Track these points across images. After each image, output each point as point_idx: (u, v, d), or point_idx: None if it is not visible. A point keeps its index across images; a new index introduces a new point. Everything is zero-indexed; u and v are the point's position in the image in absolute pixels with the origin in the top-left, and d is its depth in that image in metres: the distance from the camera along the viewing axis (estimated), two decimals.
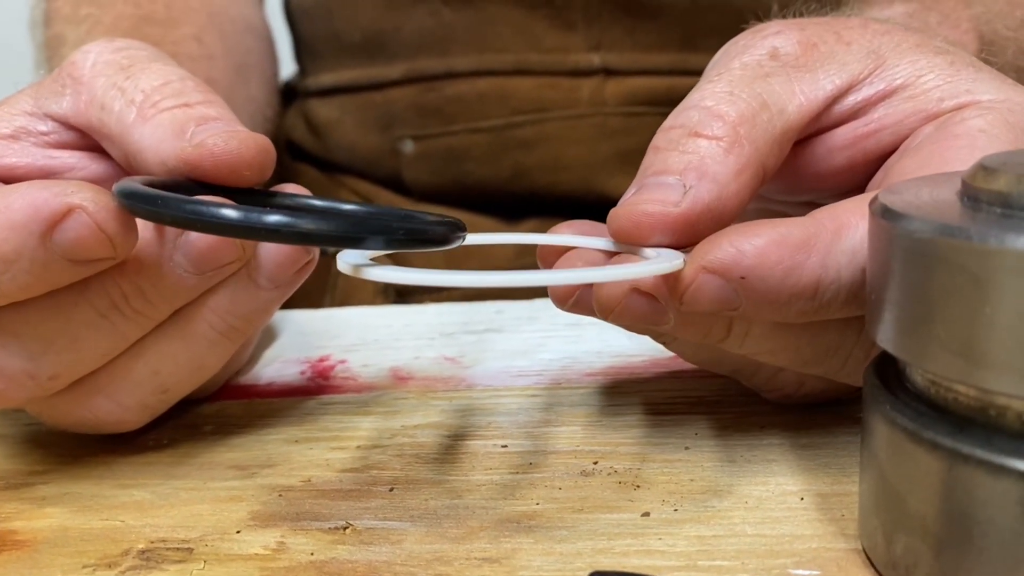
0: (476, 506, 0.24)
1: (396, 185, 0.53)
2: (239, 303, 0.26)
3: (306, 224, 0.21)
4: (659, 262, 0.21)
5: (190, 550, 0.23)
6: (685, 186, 0.22)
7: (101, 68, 0.27)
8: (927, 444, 0.18)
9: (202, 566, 0.22)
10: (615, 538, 0.22)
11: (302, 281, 0.27)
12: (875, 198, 0.19)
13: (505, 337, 0.37)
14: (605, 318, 0.23)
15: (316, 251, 0.28)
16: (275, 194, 0.27)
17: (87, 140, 0.28)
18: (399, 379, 0.33)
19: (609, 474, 0.25)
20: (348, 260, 0.22)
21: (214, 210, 0.21)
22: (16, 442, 0.30)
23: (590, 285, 0.24)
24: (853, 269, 0.20)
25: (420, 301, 0.48)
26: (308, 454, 0.28)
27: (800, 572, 0.20)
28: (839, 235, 0.20)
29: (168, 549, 0.23)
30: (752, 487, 0.24)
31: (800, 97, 0.24)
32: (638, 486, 0.24)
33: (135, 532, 0.24)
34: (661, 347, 0.30)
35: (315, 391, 0.33)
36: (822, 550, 0.21)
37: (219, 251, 0.25)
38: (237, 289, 0.26)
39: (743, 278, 0.20)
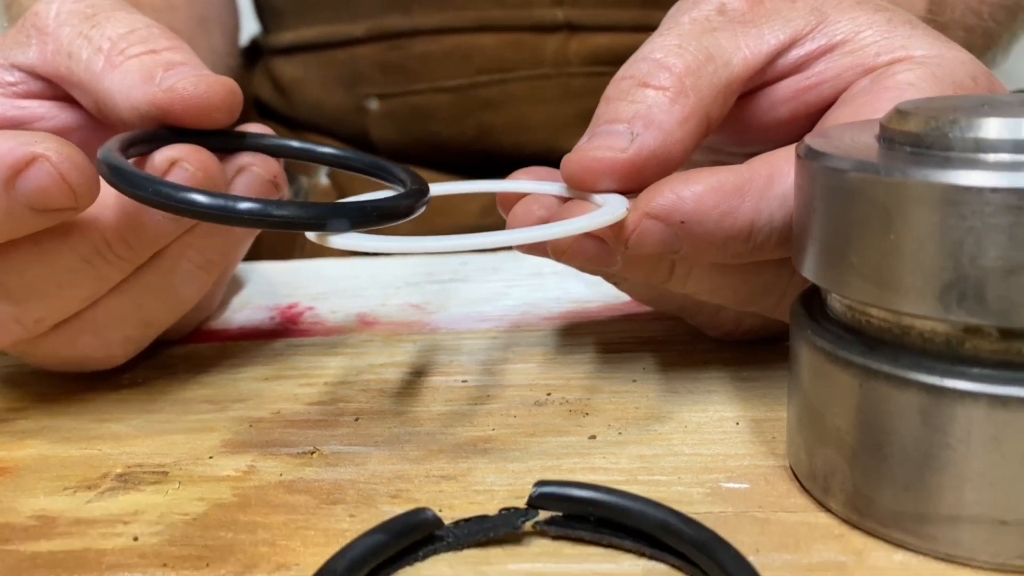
0: (436, 432, 0.26)
1: (363, 144, 0.54)
2: (215, 238, 0.27)
3: (278, 211, 0.22)
4: (604, 212, 0.23)
5: (165, 473, 0.24)
6: (632, 133, 0.24)
7: (65, 18, 0.28)
8: (842, 363, 0.19)
9: (177, 486, 0.23)
10: (563, 458, 0.24)
11: None
12: (801, 141, 0.21)
13: (469, 286, 0.38)
14: (558, 260, 0.25)
15: (285, 191, 0.29)
16: (244, 135, 0.28)
17: (55, 90, 0.29)
18: (365, 324, 0.35)
19: (560, 404, 0.27)
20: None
21: (189, 195, 0.22)
22: None
23: None
24: (784, 213, 0.22)
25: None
26: (277, 390, 0.29)
27: (731, 485, 0.22)
28: (771, 182, 0.22)
29: (144, 472, 0.24)
30: (692, 414, 0.25)
31: (745, 51, 0.26)
32: (587, 413, 0.26)
33: (112, 459, 0.25)
34: (615, 293, 0.31)
35: (284, 334, 0.34)
36: (752, 467, 0.23)
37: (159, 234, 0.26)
38: (213, 226, 0.27)
39: (683, 222, 0.22)
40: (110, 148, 0.24)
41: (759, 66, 0.26)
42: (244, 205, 0.22)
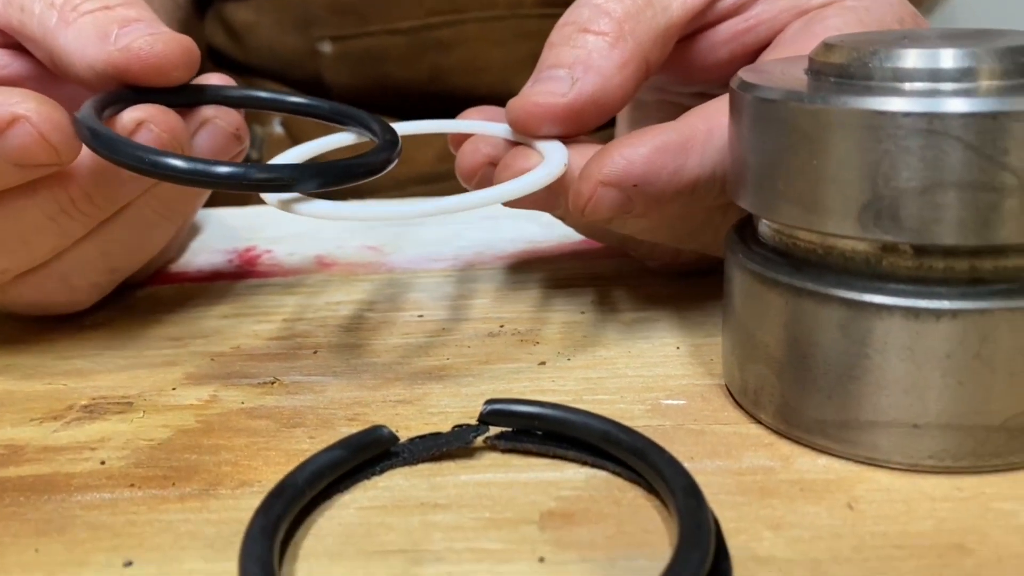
0: (393, 363, 0.27)
1: (317, 88, 0.54)
2: (179, 190, 0.28)
3: (257, 174, 0.22)
4: (543, 169, 0.24)
5: (130, 403, 0.25)
6: (572, 79, 0.25)
7: None
8: (771, 283, 0.21)
9: (142, 415, 0.24)
10: (514, 382, 0.25)
11: None
12: (736, 75, 0.22)
13: (425, 229, 0.39)
14: (507, 204, 0.26)
15: (247, 143, 0.29)
16: (207, 87, 0.28)
17: (7, 38, 0.28)
18: (323, 265, 0.35)
19: (512, 334, 0.28)
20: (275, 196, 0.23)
21: (167, 160, 0.22)
22: None
23: (493, 164, 0.26)
24: (719, 167, 0.23)
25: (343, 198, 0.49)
26: (237, 327, 0.30)
27: (669, 402, 0.23)
28: (711, 136, 0.23)
29: (109, 403, 0.25)
30: (636, 341, 0.27)
31: None
32: (537, 343, 0.27)
33: (77, 392, 0.26)
34: (567, 233, 0.33)
35: (242, 276, 0.35)
36: (690, 386, 0.24)
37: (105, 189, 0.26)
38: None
39: (635, 185, 0.23)
40: (87, 110, 0.24)
41: (698, 10, 0.27)
42: (223, 169, 0.22)
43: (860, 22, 0.26)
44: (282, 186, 0.22)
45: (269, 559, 0.17)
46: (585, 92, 0.24)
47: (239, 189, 0.23)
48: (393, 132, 0.26)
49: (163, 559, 0.18)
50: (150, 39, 0.25)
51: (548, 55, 0.26)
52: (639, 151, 0.23)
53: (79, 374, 0.27)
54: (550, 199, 0.25)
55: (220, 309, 0.31)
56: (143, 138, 0.25)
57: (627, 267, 0.32)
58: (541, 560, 0.18)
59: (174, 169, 0.22)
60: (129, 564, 0.18)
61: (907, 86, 0.19)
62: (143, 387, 0.26)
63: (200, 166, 0.22)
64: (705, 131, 0.23)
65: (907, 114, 0.18)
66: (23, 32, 0.27)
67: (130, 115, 0.25)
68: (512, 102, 0.25)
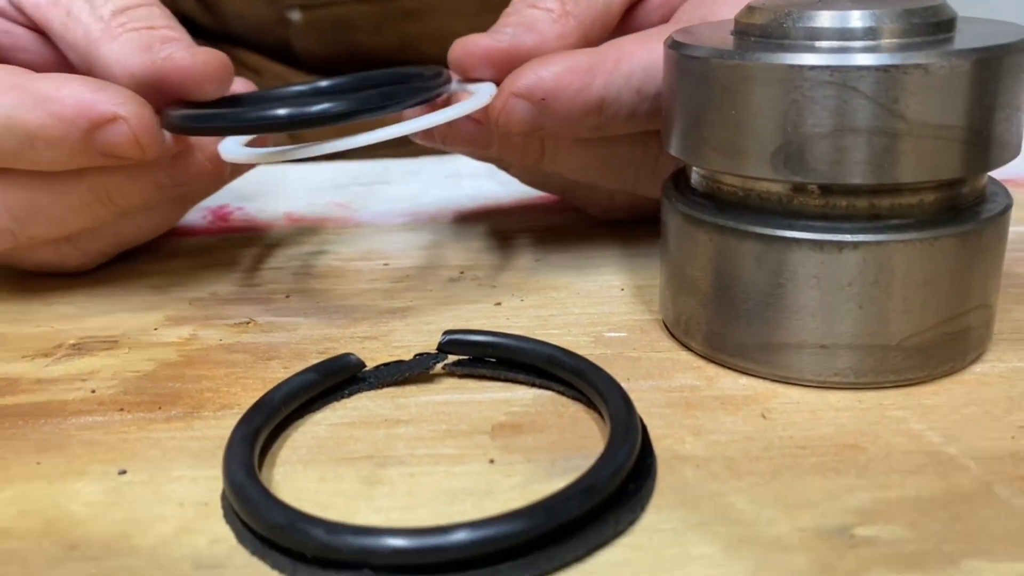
0: (360, 305, 0.29)
1: (286, 56, 0.55)
2: (201, 182, 0.30)
3: (342, 106, 0.24)
4: (474, 99, 0.26)
5: (115, 342, 0.27)
6: (514, 34, 0.27)
7: None
8: (699, 224, 0.23)
9: (127, 351, 0.26)
10: (472, 320, 0.27)
11: None
12: (669, 36, 0.24)
13: (391, 188, 0.41)
14: (443, 143, 0.28)
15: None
16: (240, 97, 0.29)
17: (36, 23, 0.30)
18: (292, 220, 0.37)
19: (472, 280, 0.30)
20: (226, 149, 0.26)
21: (272, 111, 0.24)
22: None
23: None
24: (630, 90, 0.26)
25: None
26: (213, 275, 0.32)
27: (611, 334, 0.26)
28: (619, 63, 0.25)
29: (96, 342, 0.27)
30: (584, 283, 0.29)
31: None
32: (494, 287, 0.29)
33: (64, 333, 0.28)
34: (524, 191, 0.35)
35: (217, 231, 0.37)
36: (631, 321, 0.26)
37: (198, 174, 0.29)
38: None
39: (543, 99, 0.25)
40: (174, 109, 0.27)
41: None
42: (317, 108, 0.24)
43: None
44: (371, 109, 0.25)
45: (250, 462, 0.19)
46: (523, 44, 0.27)
47: (332, 123, 0.25)
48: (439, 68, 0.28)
49: (154, 468, 0.20)
50: (190, 51, 0.27)
51: (498, 22, 0.28)
52: (551, 69, 0.25)
53: (65, 318, 0.29)
54: (482, 135, 0.28)
55: (196, 260, 0.33)
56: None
57: (577, 220, 0.35)
58: (491, 462, 0.20)
59: (277, 117, 0.24)
60: (123, 472, 0.20)
61: (819, 44, 0.21)
62: (127, 328, 0.28)
63: (296, 110, 0.24)
64: (614, 59, 0.26)
65: (812, 67, 0.20)
66: (64, 35, 0.28)
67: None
68: (455, 43, 0.28)
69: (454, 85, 0.28)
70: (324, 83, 0.30)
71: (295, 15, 0.55)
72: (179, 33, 0.28)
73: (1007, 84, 0.21)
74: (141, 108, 0.26)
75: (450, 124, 0.27)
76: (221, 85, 0.27)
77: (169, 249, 0.34)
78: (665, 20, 0.29)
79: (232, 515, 0.18)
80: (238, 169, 0.31)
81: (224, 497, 0.19)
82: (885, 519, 0.17)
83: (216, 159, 0.29)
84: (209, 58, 0.27)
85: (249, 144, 0.28)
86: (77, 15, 0.28)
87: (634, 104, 0.26)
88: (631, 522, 0.18)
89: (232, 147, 0.26)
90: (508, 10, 0.28)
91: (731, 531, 0.17)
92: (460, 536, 0.16)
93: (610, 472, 0.18)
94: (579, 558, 0.17)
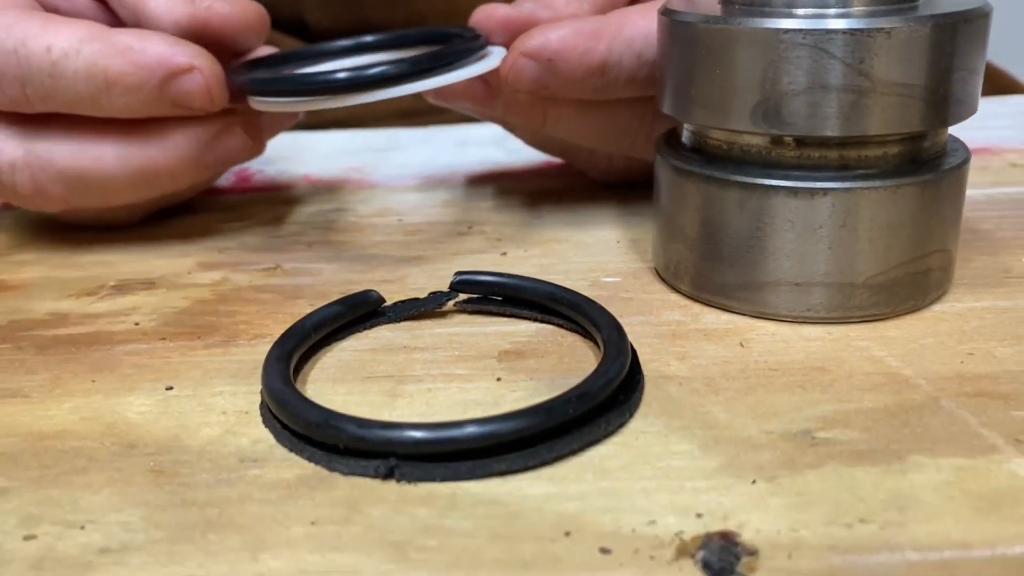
0: (377, 254, 0.31)
1: (300, 30, 0.58)
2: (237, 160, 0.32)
3: (396, 68, 0.27)
4: (486, 61, 0.28)
5: (153, 283, 0.29)
6: (534, 9, 0.30)
7: None
8: (687, 175, 0.25)
9: (165, 291, 0.29)
10: (479, 267, 0.29)
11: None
12: (663, 4, 0.26)
13: (402, 154, 0.44)
14: (451, 100, 0.31)
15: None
16: (291, 54, 0.32)
17: None
18: (311, 182, 0.40)
19: (480, 233, 0.33)
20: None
21: (332, 76, 0.27)
22: None
23: None
24: (631, 55, 0.28)
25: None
26: (239, 228, 0.34)
27: (607, 279, 0.28)
28: (621, 29, 0.28)
29: (135, 283, 0.29)
30: (583, 237, 0.32)
31: None
32: (500, 239, 0.32)
33: (105, 276, 0.30)
34: (529, 157, 0.37)
35: (239, 191, 0.39)
36: (625, 268, 0.29)
37: (240, 151, 0.31)
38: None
39: (550, 60, 0.28)
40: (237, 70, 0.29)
41: None
42: (374, 71, 0.27)
43: None
44: (425, 71, 0.27)
45: (287, 374, 0.21)
46: (539, 17, 0.29)
47: (388, 85, 0.27)
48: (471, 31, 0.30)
49: (197, 385, 0.23)
50: (230, 4, 0.29)
51: None
52: (558, 32, 0.28)
53: (104, 264, 0.31)
54: (488, 95, 0.30)
55: (222, 215, 0.36)
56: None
57: (578, 183, 0.37)
58: (498, 380, 0.22)
59: (335, 80, 0.27)
60: (170, 388, 0.23)
61: (797, 11, 0.23)
62: (162, 272, 0.30)
63: (354, 75, 0.27)
64: (617, 25, 0.28)
65: (787, 31, 0.22)
66: None
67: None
68: (478, 9, 0.30)
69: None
70: (369, 39, 0.33)
71: None
72: None
73: (963, 48, 0.23)
74: (213, 62, 0.28)
75: (463, 84, 0.29)
76: (259, 35, 0.30)
77: (196, 206, 0.37)
78: None
79: (270, 419, 0.21)
80: (274, 129, 0.34)
81: (262, 405, 0.21)
82: (843, 425, 0.20)
83: (254, 134, 0.31)
84: (248, 9, 0.29)
85: None
86: None
87: (634, 68, 0.28)
88: (620, 425, 0.20)
89: (261, 101, 0.29)
90: None
91: (707, 433, 0.20)
92: (471, 430, 0.19)
93: (602, 383, 0.20)
94: (574, 451, 0.19)
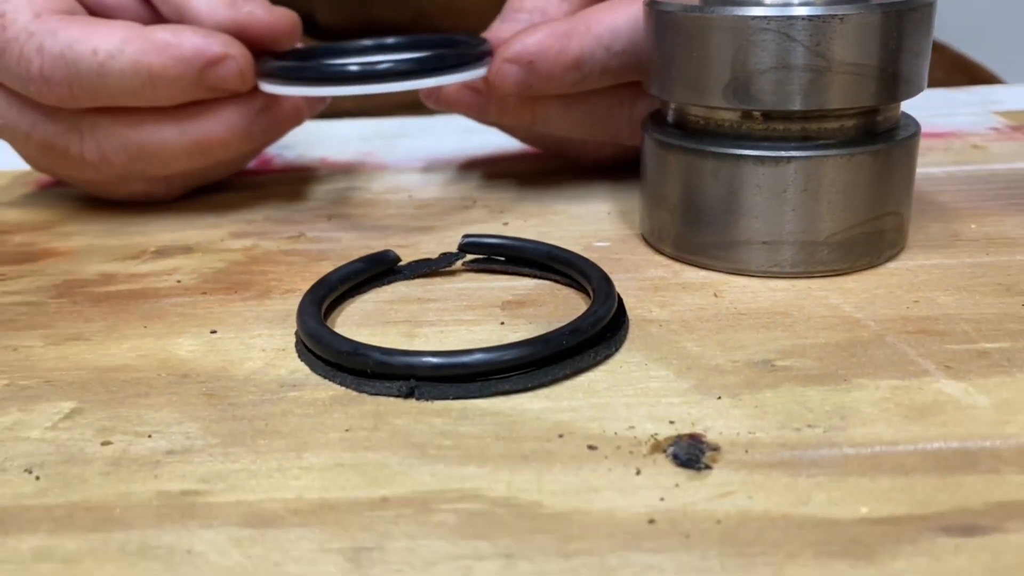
0: (391, 224, 0.34)
1: (310, 27, 0.61)
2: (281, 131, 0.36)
3: (404, 65, 0.30)
4: (477, 68, 0.32)
5: (190, 249, 0.33)
6: (530, 21, 0.33)
7: None
8: (670, 147, 0.29)
9: (201, 255, 0.32)
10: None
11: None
12: None
13: (410, 140, 0.47)
14: (449, 109, 0.34)
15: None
16: (317, 49, 0.35)
17: None
18: (327, 165, 0.43)
19: (483, 207, 0.36)
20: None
21: (345, 68, 0.30)
22: (21, 206, 0.39)
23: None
24: (600, 48, 0.31)
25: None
26: (263, 203, 0.37)
27: (598, 244, 0.31)
28: (589, 26, 0.31)
29: (174, 249, 0.33)
30: (578, 208, 0.35)
31: None
32: (502, 211, 0.35)
33: (146, 243, 0.33)
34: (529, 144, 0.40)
35: (262, 173, 0.42)
36: (615, 234, 0.32)
37: (284, 121, 0.35)
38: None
39: (531, 62, 0.31)
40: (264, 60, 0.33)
41: None
42: (384, 66, 0.30)
43: None
44: (429, 70, 0.31)
45: (318, 315, 0.25)
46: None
47: (396, 80, 0.30)
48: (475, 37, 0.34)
49: (238, 329, 0.26)
50: (268, 10, 0.33)
51: (510, 4, 0.34)
52: (534, 37, 0.31)
53: (143, 234, 0.35)
54: (480, 102, 0.34)
55: (248, 193, 0.39)
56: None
57: (573, 163, 0.40)
58: (502, 324, 0.26)
59: (348, 72, 0.30)
60: (214, 332, 0.26)
61: (764, 0, 0.26)
62: (197, 240, 0.34)
63: (367, 67, 0.30)
64: (585, 23, 0.31)
65: (754, 17, 0.26)
66: None
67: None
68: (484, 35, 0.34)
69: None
70: (389, 40, 0.36)
71: None
72: None
73: (909, 32, 0.26)
74: (243, 49, 0.32)
75: (450, 91, 0.33)
76: (291, 39, 0.34)
77: (223, 186, 0.40)
78: None
79: (305, 352, 0.24)
80: (312, 108, 0.37)
81: (297, 344, 0.25)
82: (799, 355, 0.23)
83: (296, 107, 0.35)
84: (283, 16, 0.33)
85: None
86: None
87: (605, 60, 0.31)
88: (607, 356, 0.23)
89: (272, 86, 0.32)
90: None
91: (682, 362, 0.23)
92: (480, 356, 0.22)
93: (592, 320, 0.23)
94: (567, 376, 0.23)
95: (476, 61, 0.32)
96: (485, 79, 0.32)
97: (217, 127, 0.33)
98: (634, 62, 0.32)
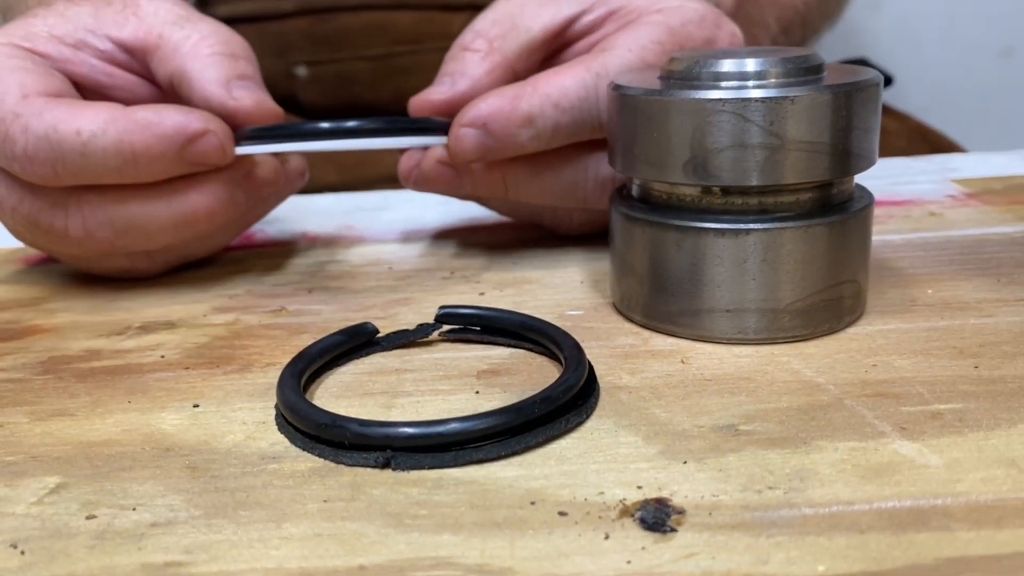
0: (370, 296, 0.35)
1: (293, 106, 0.63)
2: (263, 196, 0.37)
3: (371, 124, 0.33)
4: (433, 137, 0.34)
5: (173, 324, 0.33)
6: (452, 83, 0.35)
7: (164, 14, 0.36)
8: (636, 221, 0.30)
9: (185, 330, 0.33)
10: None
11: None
12: (612, 80, 0.31)
13: (390, 213, 0.48)
14: (427, 187, 0.36)
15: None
16: (290, 125, 0.37)
17: (138, 66, 0.36)
18: (309, 240, 0.44)
19: (461, 278, 0.37)
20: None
21: (316, 125, 0.33)
22: (8, 283, 0.40)
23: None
24: (550, 105, 0.33)
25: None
26: (245, 278, 0.38)
27: (570, 312, 0.32)
28: (536, 87, 0.33)
29: (158, 324, 0.34)
30: (552, 278, 0.36)
31: (543, 19, 0.36)
32: (479, 282, 0.36)
33: (130, 319, 0.34)
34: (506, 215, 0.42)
35: (244, 248, 0.43)
36: (587, 303, 0.33)
37: (265, 185, 0.36)
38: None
39: (484, 124, 0.33)
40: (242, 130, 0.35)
41: (555, 30, 0.36)
42: (353, 123, 0.33)
43: (667, 26, 0.35)
44: (389, 131, 0.34)
45: (298, 388, 0.25)
46: (459, 91, 0.35)
47: (361, 136, 0.33)
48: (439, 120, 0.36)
49: (220, 403, 0.27)
50: (256, 100, 0.35)
51: (442, 68, 0.36)
52: (486, 101, 0.33)
53: (127, 310, 0.35)
54: (454, 177, 0.36)
55: (230, 268, 0.40)
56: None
57: (548, 234, 0.42)
58: (477, 393, 0.27)
59: (318, 129, 0.33)
60: (197, 406, 0.27)
61: (721, 83, 0.28)
62: (180, 315, 0.34)
63: (336, 124, 0.33)
64: (533, 83, 0.33)
65: (711, 100, 0.27)
66: (158, 50, 0.35)
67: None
68: (412, 100, 0.36)
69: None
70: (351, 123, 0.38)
71: (301, 71, 0.62)
72: (252, 68, 0.36)
73: (857, 111, 0.28)
74: (223, 124, 0.33)
75: (426, 169, 0.36)
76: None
77: (206, 261, 0.41)
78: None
79: (285, 425, 0.25)
80: (289, 187, 0.39)
81: (277, 416, 0.25)
82: (762, 420, 0.24)
83: (275, 170, 0.36)
84: (266, 109, 0.34)
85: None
86: (169, 35, 0.35)
87: (556, 116, 0.33)
88: (578, 424, 0.24)
89: (247, 146, 0.34)
90: (448, 55, 0.37)
91: (650, 428, 0.24)
92: (454, 426, 0.23)
93: (563, 388, 0.24)
94: (539, 444, 0.23)
95: (441, 130, 0.34)
96: (446, 146, 0.34)
97: (201, 197, 0.34)
98: (585, 119, 0.34)
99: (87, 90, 0.35)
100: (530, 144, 0.34)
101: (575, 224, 0.39)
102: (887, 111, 0.68)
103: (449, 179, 0.36)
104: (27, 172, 0.33)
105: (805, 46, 0.61)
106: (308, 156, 0.40)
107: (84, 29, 0.35)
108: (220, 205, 0.35)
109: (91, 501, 0.22)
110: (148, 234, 0.34)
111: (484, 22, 0.36)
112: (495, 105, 0.33)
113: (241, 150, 0.34)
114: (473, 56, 0.35)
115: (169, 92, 0.36)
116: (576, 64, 0.34)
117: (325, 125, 0.33)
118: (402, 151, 0.38)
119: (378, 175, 0.61)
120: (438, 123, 0.35)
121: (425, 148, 0.36)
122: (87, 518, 0.21)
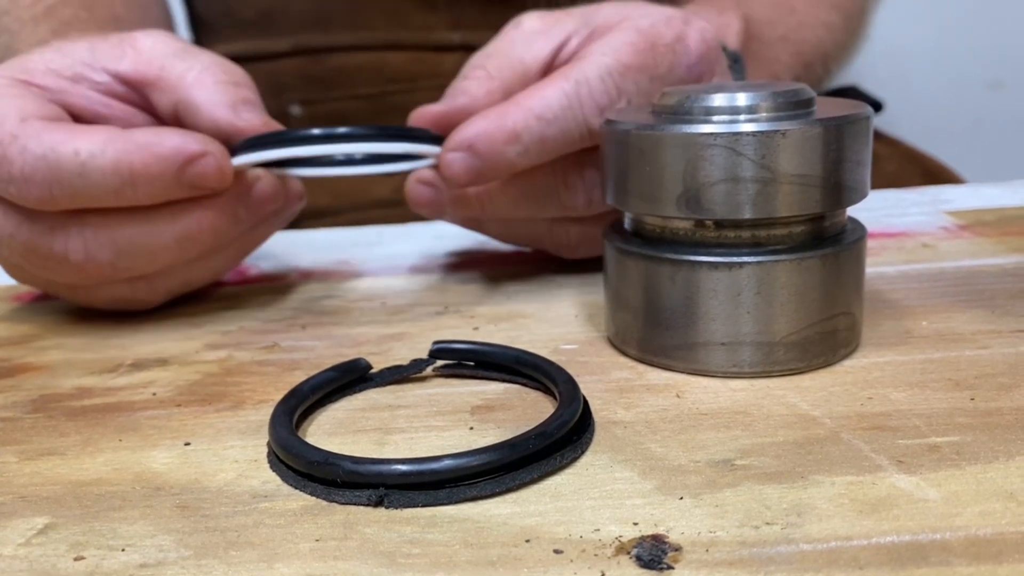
0: (364, 332, 0.35)
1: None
2: (255, 234, 0.38)
3: (361, 130, 0.34)
4: (424, 161, 0.35)
5: (166, 361, 0.33)
6: (452, 97, 0.36)
7: (162, 48, 0.36)
8: (629, 254, 0.30)
9: (177, 367, 0.33)
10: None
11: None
12: (604, 115, 0.31)
13: (385, 248, 0.48)
14: (413, 208, 0.37)
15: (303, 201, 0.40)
16: (284, 132, 0.37)
17: (136, 97, 0.37)
18: (303, 275, 0.44)
19: (454, 313, 0.37)
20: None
21: (307, 132, 0.33)
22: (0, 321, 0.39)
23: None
24: (534, 119, 0.33)
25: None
26: (240, 313, 0.38)
27: (565, 347, 0.32)
28: (519, 103, 0.34)
29: (150, 362, 0.33)
30: (546, 312, 0.36)
31: (535, 50, 0.37)
32: (473, 316, 0.36)
33: (122, 356, 0.34)
34: (496, 246, 0.42)
35: (237, 283, 0.43)
36: (582, 337, 0.33)
37: (265, 201, 0.36)
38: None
39: (471, 145, 0.34)
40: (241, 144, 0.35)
41: (547, 59, 0.37)
42: (344, 129, 0.34)
43: (639, 32, 0.35)
44: (386, 137, 0.34)
45: (290, 426, 0.25)
46: (457, 105, 0.36)
47: (355, 141, 0.34)
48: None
49: (211, 441, 0.27)
50: (263, 122, 0.35)
51: (444, 94, 0.37)
52: (474, 123, 0.34)
53: (120, 347, 0.35)
54: (436, 196, 0.37)
55: (224, 303, 0.40)
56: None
57: (542, 268, 0.42)
58: (471, 429, 0.26)
59: (311, 134, 0.33)
60: (188, 444, 0.27)
61: (713, 118, 0.28)
62: (173, 352, 0.34)
63: (327, 130, 0.34)
64: (515, 102, 0.34)
65: (702, 134, 0.27)
66: (158, 82, 0.36)
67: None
68: (412, 113, 0.37)
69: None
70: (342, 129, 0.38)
71: (296, 109, 0.63)
72: (253, 94, 0.36)
73: (848, 144, 0.28)
74: (220, 146, 0.33)
75: (407, 189, 0.37)
76: None
77: (200, 297, 0.41)
78: None
79: (277, 463, 0.24)
80: (289, 207, 0.39)
81: (269, 454, 0.25)
82: (758, 454, 0.24)
83: (276, 187, 0.37)
84: (274, 129, 0.35)
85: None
86: (170, 68, 0.35)
87: (541, 128, 0.34)
88: (573, 459, 0.24)
89: (244, 156, 0.34)
90: (450, 85, 0.37)
91: (646, 463, 0.24)
92: (448, 463, 0.22)
93: (558, 424, 0.24)
94: (534, 480, 0.23)
95: (432, 140, 0.35)
96: (438, 171, 0.35)
97: (204, 212, 0.34)
98: (570, 128, 0.34)
99: (85, 121, 0.36)
100: (520, 160, 0.34)
101: (574, 242, 0.39)
102: (877, 136, 0.69)
103: (429, 199, 0.37)
104: (23, 194, 0.33)
105: (827, 82, 0.62)
106: (304, 182, 0.40)
107: (81, 63, 0.36)
108: (223, 220, 0.35)
109: (79, 542, 0.22)
110: (151, 253, 0.34)
111: (480, 57, 0.37)
112: (480, 126, 0.34)
113: (238, 160, 0.34)
114: (472, 81, 0.36)
115: (171, 122, 0.36)
116: (555, 76, 0.34)
117: (317, 131, 0.34)
118: (391, 176, 0.38)
119: (371, 200, 0.61)
120: (430, 133, 0.35)
121: (418, 157, 0.36)
122: (75, 559, 0.21)
